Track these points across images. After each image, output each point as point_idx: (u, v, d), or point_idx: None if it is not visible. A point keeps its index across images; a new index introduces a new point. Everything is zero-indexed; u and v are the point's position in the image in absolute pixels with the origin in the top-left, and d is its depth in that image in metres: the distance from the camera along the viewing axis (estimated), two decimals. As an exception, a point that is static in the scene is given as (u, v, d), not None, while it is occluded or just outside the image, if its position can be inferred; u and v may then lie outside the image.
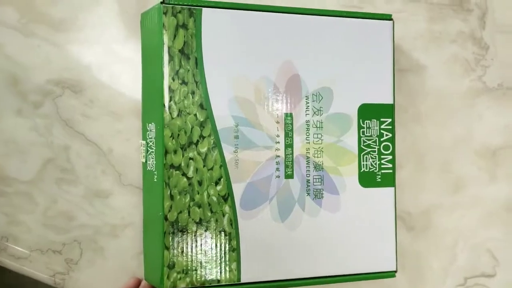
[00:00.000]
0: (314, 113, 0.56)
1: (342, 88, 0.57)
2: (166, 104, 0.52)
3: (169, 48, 0.52)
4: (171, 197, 0.52)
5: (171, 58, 0.52)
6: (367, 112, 0.58)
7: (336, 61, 0.57)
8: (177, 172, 0.52)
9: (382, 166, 0.59)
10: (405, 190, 0.66)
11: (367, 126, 0.58)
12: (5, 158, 0.58)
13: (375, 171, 0.58)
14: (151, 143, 0.54)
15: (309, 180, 0.56)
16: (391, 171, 0.59)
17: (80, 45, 0.59)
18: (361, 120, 0.58)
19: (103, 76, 0.60)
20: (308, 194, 0.56)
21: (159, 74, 0.52)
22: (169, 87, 0.52)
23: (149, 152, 0.54)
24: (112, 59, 0.60)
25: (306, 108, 0.56)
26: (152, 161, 0.54)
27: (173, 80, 0.52)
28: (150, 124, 0.54)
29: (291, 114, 0.56)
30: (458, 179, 0.69)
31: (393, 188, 0.59)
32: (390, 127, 0.59)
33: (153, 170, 0.54)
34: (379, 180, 0.58)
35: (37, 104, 0.58)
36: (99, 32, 0.60)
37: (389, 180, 0.59)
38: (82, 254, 0.59)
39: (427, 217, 0.68)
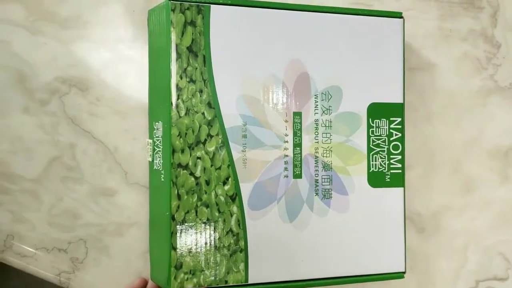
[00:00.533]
0: (323, 112, 0.56)
1: (351, 87, 0.57)
2: (174, 103, 0.51)
3: (177, 45, 0.52)
4: (179, 196, 0.52)
5: (179, 55, 0.51)
6: (377, 111, 0.57)
7: (345, 59, 0.56)
8: (185, 171, 0.52)
9: (391, 166, 0.58)
10: (415, 191, 0.66)
11: (377, 125, 0.57)
12: (11, 155, 0.57)
13: (384, 171, 0.58)
14: (158, 142, 0.53)
15: (318, 180, 0.56)
16: (400, 171, 0.58)
17: (87, 43, 0.59)
18: (370, 119, 0.57)
19: (110, 75, 0.59)
20: (317, 194, 0.55)
21: (166, 72, 0.52)
22: (177, 85, 0.51)
23: (156, 151, 0.54)
24: (119, 58, 0.60)
25: (315, 107, 0.55)
26: (159, 160, 0.53)
27: (181, 78, 0.52)
28: (157, 123, 0.53)
29: (299, 113, 0.55)
30: (469, 180, 0.68)
31: (402, 188, 0.58)
32: (400, 126, 0.58)
33: (160, 169, 0.53)
34: (388, 180, 0.58)
35: (44, 102, 0.58)
36: (106, 30, 0.59)
37: (398, 180, 0.58)
38: (87, 253, 0.59)
39: (437, 218, 0.67)
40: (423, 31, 0.67)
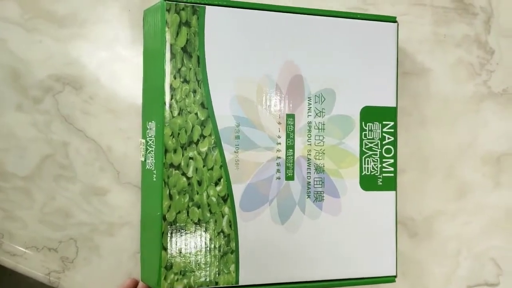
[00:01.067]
0: (316, 114, 0.56)
1: (345, 90, 0.57)
2: (167, 103, 0.51)
3: (171, 45, 0.52)
4: (170, 196, 0.51)
5: (173, 56, 0.52)
6: (370, 114, 0.57)
7: (339, 62, 0.56)
8: (177, 171, 0.52)
9: (384, 169, 0.58)
10: (407, 195, 0.66)
11: (369, 128, 0.57)
12: (4, 153, 0.57)
13: (376, 174, 0.58)
14: (150, 142, 0.53)
15: (310, 182, 0.55)
16: (392, 175, 0.58)
17: (82, 41, 0.59)
18: (363, 122, 0.57)
19: (104, 73, 0.59)
20: (309, 196, 0.55)
21: (160, 71, 0.52)
22: (171, 85, 0.52)
23: (148, 151, 0.54)
24: (113, 57, 0.60)
25: (308, 109, 0.55)
26: (152, 160, 0.53)
27: (175, 78, 0.52)
28: (150, 123, 0.53)
29: (293, 115, 0.55)
30: (462, 185, 0.68)
31: (394, 192, 0.58)
32: (393, 130, 0.58)
33: (152, 169, 0.53)
34: (380, 183, 0.58)
35: (38, 100, 0.58)
36: (101, 29, 0.60)
37: (390, 184, 0.58)
38: (78, 252, 0.59)
39: (429, 223, 0.67)
40: (417, 36, 0.67)
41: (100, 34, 0.60)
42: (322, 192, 0.56)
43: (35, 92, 0.58)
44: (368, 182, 0.57)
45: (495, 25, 0.69)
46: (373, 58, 0.58)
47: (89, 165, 0.59)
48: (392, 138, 0.58)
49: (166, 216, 0.51)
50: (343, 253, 0.57)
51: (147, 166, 0.54)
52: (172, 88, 0.52)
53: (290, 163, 0.55)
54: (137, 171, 0.59)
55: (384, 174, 0.58)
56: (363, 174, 0.57)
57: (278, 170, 0.55)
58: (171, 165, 0.52)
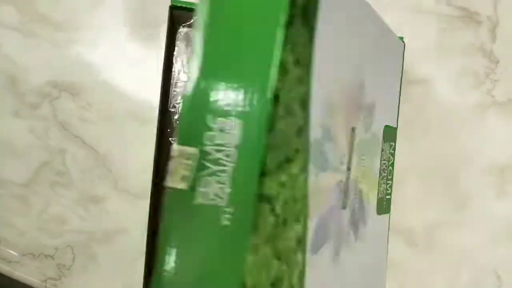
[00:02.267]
0: (366, 130, 0.46)
1: (378, 105, 0.50)
2: (271, 92, 0.30)
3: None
4: (255, 249, 0.30)
5: (290, 21, 0.31)
6: (387, 134, 0.56)
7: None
8: (267, 206, 0.31)
9: (387, 191, 0.57)
10: (408, 205, 0.67)
11: (384, 149, 0.56)
12: (0, 159, 0.58)
13: (383, 197, 0.56)
14: (219, 155, 0.30)
15: (354, 210, 0.47)
16: (389, 196, 0.58)
17: (80, 47, 0.60)
18: (383, 142, 0.55)
19: (101, 79, 0.60)
20: (352, 225, 0.48)
21: (267, 40, 0.30)
22: (282, 64, 0.30)
23: (210, 172, 0.30)
24: (111, 62, 0.60)
25: (361, 123, 0.45)
26: (219, 188, 0.30)
27: (288, 55, 0.31)
28: (221, 120, 0.30)
29: (354, 128, 0.43)
30: (465, 195, 0.69)
31: (388, 214, 0.58)
32: (393, 151, 0.57)
33: (222, 205, 0.30)
34: (385, 206, 0.57)
35: (35, 106, 0.58)
36: (98, 34, 0.60)
37: (388, 206, 0.58)
38: (74, 259, 0.59)
39: (430, 234, 0.68)
40: (421, 44, 0.67)
41: (98, 39, 0.60)
42: (359, 220, 0.50)
43: (32, 98, 0.58)
44: (380, 206, 0.56)
45: (500, 34, 0.70)
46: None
47: (86, 172, 0.59)
48: (393, 159, 0.57)
49: (247, 283, 0.30)
50: (370, 282, 0.55)
51: (202, 200, 0.30)
52: (283, 70, 0.30)
53: (347, 187, 0.43)
54: (135, 178, 0.60)
55: (387, 196, 0.57)
56: (379, 197, 0.54)
57: (340, 197, 0.42)
58: (261, 197, 0.30)
